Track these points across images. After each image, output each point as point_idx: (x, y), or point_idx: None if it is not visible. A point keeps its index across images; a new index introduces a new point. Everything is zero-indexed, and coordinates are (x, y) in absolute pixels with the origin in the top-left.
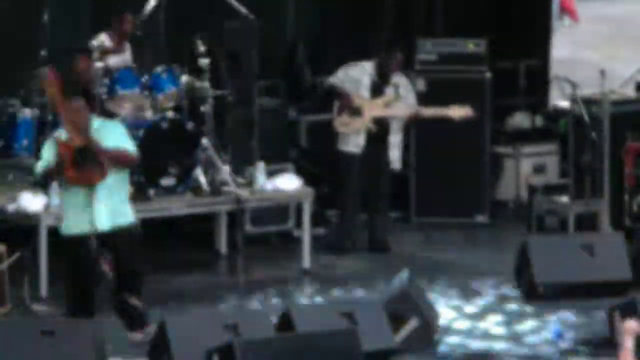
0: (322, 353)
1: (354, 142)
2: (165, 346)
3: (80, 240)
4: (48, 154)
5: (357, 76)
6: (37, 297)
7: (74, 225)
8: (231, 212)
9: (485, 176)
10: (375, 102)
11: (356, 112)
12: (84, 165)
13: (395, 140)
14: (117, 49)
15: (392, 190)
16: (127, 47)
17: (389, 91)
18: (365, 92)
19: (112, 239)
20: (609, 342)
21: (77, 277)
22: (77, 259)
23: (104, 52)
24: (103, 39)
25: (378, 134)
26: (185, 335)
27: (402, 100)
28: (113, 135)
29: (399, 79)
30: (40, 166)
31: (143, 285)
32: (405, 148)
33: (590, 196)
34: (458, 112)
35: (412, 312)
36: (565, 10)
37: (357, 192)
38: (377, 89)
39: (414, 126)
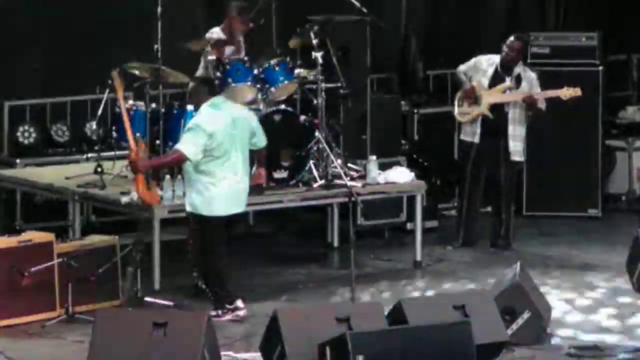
0: (434, 346)
1: (471, 131)
2: (277, 339)
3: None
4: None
5: (484, 67)
6: (150, 289)
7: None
8: (343, 204)
9: (597, 169)
10: (493, 90)
11: (475, 101)
12: None
13: (515, 132)
14: (230, 41)
15: (514, 186)
16: (241, 39)
17: (508, 80)
18: (486, 82)
19: None
20: None
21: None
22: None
23: (218, 44)
24: (217, 32)
25: (495, 124)
26: (297, 328)
27: (522, 90)
28: None
29: (526, 73)
30: None
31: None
32: None
33: None
34: (567, 92)
35: (524, 304)
36: None
37: (477, 184)
38: (497, 78)
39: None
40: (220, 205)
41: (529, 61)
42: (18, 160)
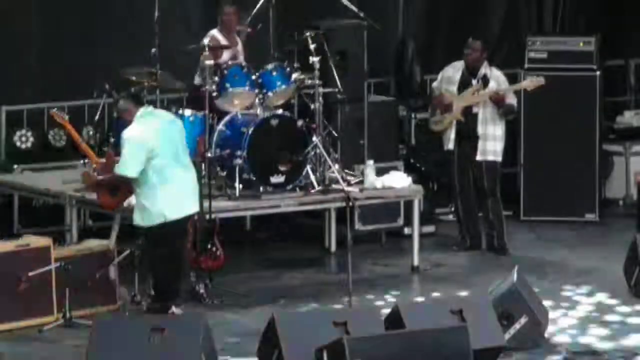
0: (431, 350)
1: (448, 139)
2: (275, 343)
3: (185, 221)
4: None
5: (451, 74)
6: (147, 294)
7: (185, 207)
8: (340, 209)
9: (594, 174)
10: (462, 95)
11: (447, 108)
12: None
13: (486, 131)
14: (228, 45)
15: (497, 186)
16: (239, 42)
17: (475, 82)
18: (454, 88)
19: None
20: None
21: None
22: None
23: (216, 49)
24: (214, 35)
25: (468, 127)
26: (294, 332)
27: (490, 89)
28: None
29: (492, 72)
30: None
31: None
32: (515, 146)
33: None
34: (531, 83)
35: (522, 309)
36: None
37: (467, 189)
38: (464, 82)
39: (514, 121)
40: None
41: (526, 66)
42: (15, 165)
